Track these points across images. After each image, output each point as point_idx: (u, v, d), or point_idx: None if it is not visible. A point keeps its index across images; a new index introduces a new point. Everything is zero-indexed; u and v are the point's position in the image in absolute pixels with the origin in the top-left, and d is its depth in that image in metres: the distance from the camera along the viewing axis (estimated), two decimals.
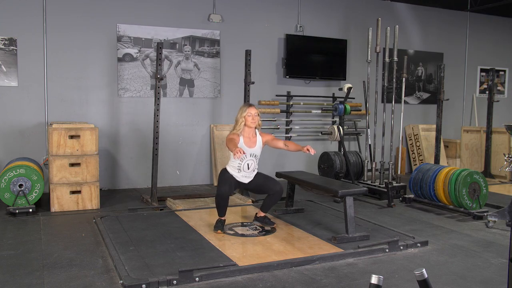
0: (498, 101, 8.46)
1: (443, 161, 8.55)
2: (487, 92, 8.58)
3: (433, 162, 7.14)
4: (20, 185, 5.28)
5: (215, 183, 7.16)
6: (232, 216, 5.12)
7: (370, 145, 7.11)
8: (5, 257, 3.83)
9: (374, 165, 6.78)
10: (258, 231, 4.61)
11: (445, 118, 8.21)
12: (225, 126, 7.35)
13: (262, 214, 4.78)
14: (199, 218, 5.11)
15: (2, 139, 6.30)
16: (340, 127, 6.74)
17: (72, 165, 5.53)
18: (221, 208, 4.54)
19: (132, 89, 6.91)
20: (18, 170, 5.28)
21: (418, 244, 4.21)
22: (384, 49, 6.68)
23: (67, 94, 6.55)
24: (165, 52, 6.98)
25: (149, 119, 6.74)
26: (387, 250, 4.04)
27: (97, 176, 5.66)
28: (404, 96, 6.83)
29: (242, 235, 4.48)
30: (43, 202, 5.68)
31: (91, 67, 6.67)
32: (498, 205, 5.65)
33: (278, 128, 7.73)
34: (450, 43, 9.47)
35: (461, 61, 9.68)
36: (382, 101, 6.77)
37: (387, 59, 6.63)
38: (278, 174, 5.39)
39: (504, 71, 10.19)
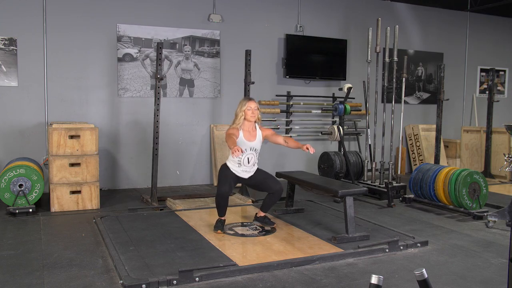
0: (498, 101, 8.46)
1: (443, 161, 8.55)
2: (487, 92, 8.58)
3: (433, 162, 7.14)
4: (20, 185, 5.28)
5: (215, 183, 7.17)
6: (232, 216, 5.12)
7: (370, 145, 7.11)
8: (5, 257, 3.83)
9: (374, 165, 6.78)
10: (258, 231, 4.61)
11: (445, 118, 8.21)
12: (225, 126, 7.35)
13: (262, 214, 4.78)
14: (199, 218, 5.11)
15: (2, 139, 6.30)
16: (340, 127, 6.74)
17: (72, 165, 5.53)
18: (221, 208, 4.54)
19: (132, 89, 6.91)
20: (18, 170, 5.28)
21: (418, 244, 4.21)
22: (384, 49, 6.68)
23: (67, 94, 6.55)
24: (165, 52, 6.98)
25: (149, 119, 6.74)
26: (387, 250, 4.04)
27: (97, 176, 5.66)
28: (404, 96, 6.83)
29: (242, 235, 4.48)
30: (43, 202, 5.68)
31: (91, 67, 6.67)
32: (498, 205, 5.65)
33: (278, 128, 7.73)
34: (450, 43, 9.47)
35: (461, 61, 9.68)
36: (382, 101, 6.77)
37: (387, 59, 6.63)
38: (278, 174, 5.39)
39: (504, 71, 10.19)
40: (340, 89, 7.20)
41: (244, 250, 4.06)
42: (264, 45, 7.69)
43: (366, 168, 6.91)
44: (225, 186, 4.47)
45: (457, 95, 9.56)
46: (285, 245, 4.18)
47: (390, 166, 6.56)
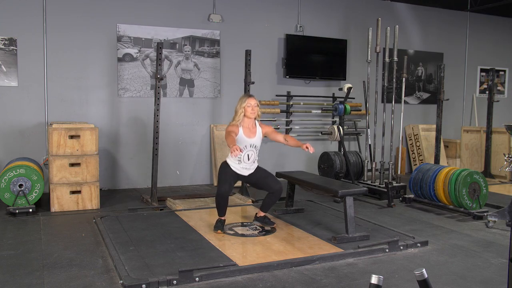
0: (498, 101, 8.46)
1: (443, 161, 8.55)
2: (487, 92, 8.58)
3: (433, 162, 7.14)
4: (20, 185, 5.28)
5: (215, 183, 7.17)
6: (232, 216, 5.12)
7: (370, 145, 7.11)
8: (5, 257, 3.83)
9: (374, 165, 6.78)
10: (258, 231, 4.61)
11: (445, 118, 8.21)
12: (225, 126, 7.35)
13: (262, 214, 4.77)
14: (199, 218, 5.11)
15: (2, 139, 6.30)
16: (340, 127, 6.74)
17: (72, 165, 5.53)
18: (221, 208, 4.53)
19: (132, 89, 6.91)
20: (18, 170, 5.28)
21: (418, 244, 4.21)
22: (384, 49, 6.68)
23: (67, 94, 6.55)
24: (165, 52, 6.98)
25: (149, 119, 6.75)
26: (387, 250, 4.04)
27: (97, 176, 5.66)
28: (404, 96, 6.83)
29: (242, 235, 4.48)
30: (43, 202, 5.68)
31: (91, 67, 6.67)
32: (498, 205, 5.65)
33: (278, 128, 7.72)
34: (450, 43, 9.47)
35: (461, 61, 9.68)
36: (382, 101, 6.77)
37: (387, 59, 6.63)
38: (278, 174, 5.39)
39: (504, 71, 10.19)
40: (340, 89, 7.20)
41: (244, 250, 4.06)
42: (264, 45, 7.69)
43: (366, 168, 6.91)
44: (224, 185, 4.47)
45: (457, 95, 9.56)
46: (285, 245, 4.18)
47: (390, 166, 6.56)
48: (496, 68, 8.87)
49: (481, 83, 9.92)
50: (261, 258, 3.81)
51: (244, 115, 4.53)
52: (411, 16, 8.92)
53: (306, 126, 8.13)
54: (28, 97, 6.38)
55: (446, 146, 9.08)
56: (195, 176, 7.40)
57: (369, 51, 6.73)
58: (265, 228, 4.69)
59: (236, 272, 3.48)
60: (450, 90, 8.86)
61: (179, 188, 7.06)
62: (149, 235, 4.41)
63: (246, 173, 4.61)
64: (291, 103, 7.90)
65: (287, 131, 7.90)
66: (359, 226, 4.61)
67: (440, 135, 6.88)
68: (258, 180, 4.66)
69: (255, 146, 4.59)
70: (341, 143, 6.91)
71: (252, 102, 4.52)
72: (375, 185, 6.50)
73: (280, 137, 4.71)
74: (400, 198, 6.26)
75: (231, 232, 4.57)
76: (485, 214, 5.19)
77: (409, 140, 9.00)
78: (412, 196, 6.14)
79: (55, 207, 5.47)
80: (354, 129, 8.35)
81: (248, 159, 4.56)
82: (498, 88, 10.02)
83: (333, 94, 8.21)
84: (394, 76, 6.75)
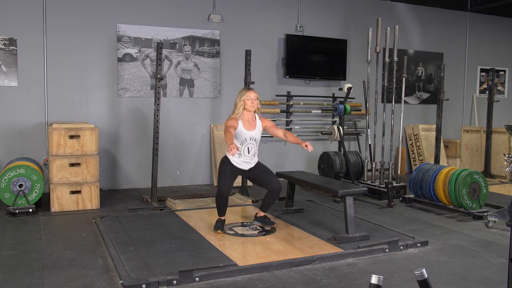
0: (498, 101, 8.46)
1: (443, 161, 8.55)
2: (487, 92, 8.58)
3: (433, 162, 7.14)
4: (20, 185, 5.28)
5: (215, 183, 7.17)
6: (232, 216, 5.12)
7: (370, 145, 7.11)
8: (5, 257, 3.83)
9: (374, 165, 6.78)
10: (258, 231, 4.61)
11: (445, 118, 8.22)
12: None
13: (262, 214, 4.77)
14: (199, 218, 5.11)
15: (2, 139, 6.30)
16: (340, 127, 6.74)
17: (72, 165, 5.53)
18: (221, 207, 4.53)
19: (132, 89, 6.91)
20: (18, 170, 5.28)
21: (418, 244, 4.21)
22: (384, 49, 6.68)
23: (67, 94, 6.55)
24: (165, 52, 6.98)
25: (149, 119, 6.75)
26: (387, 250, 4.04)
27: (97, 176, 5.66)
28: (404, 96, 6.83)
29: (242, 235, 4.48)
30: (43, 202, 5.68)
31: (91, 67, 6.67)
32: (498, 205, 5.65)
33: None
34: (450, 43, 9.47)
35: (461, 61, 9.68)
36: (382, 101, 6.77)
37: (387, 59, 6.63)
38: (278, 174, 5.39)
39: (504, 71, 10.19)
40: (340, 89, 7.20)
41: (244, 250, 4.06)
42: (264, 45, 7.69)
43: (366, 168, 6.91)
44: (225, 185, 4.46)
45: (457, 95, 9.56)
46: (285, 245, 4.18)
47: (390, 166, 6.56)
48: (496, 68, 8.87)
49: (481, 83, 9.92)
50: (261, 258, 3.81)
51: (244, 108, 4.50)
52: (411, 16, 8.92)
53: (306, 126, 8.13)
54: (28, 97, 6.38)
55: (446, 146, 9.08)
56: (195, 176, 7.40)
57: (369, 51, 6.73)
58: (265, 228, 4.69)
59: (236, 272, 3.48)
60: (450, 90, 8.87)
61: (179, 188, 7.06)
62: (149, 235, 4.41)
63: (246, 167, 4.58)
64: (291, 103, 7.90)
65: None
66: (359, 226, 4.61)
67: (440, 135, 6.88)
68: (258, 175, 4.63)
69: (255, 139, 4.56)
70: (341, 143, 6.92)
71: (251, 95, 4.49)
72: (375, 185, 6.50)
73: (279, 132, 4.69)
74: (400, 198, 6.26)
75: (231, 232, 4.57)
76: (485, 214, 5.19)
77: (409, 140, 9.00)
78: (412, 196, 6.14)
79: (55, 207, 5.47)
80: (354, 129, 8.35)
81: (248, 152, 4.53)
82: (498, 88, 10.02)
83: (333, 94, 8.21)
84: (394, 76, 6.75)
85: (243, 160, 4.54)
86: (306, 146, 4.47)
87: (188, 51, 7.22)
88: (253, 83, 6.23)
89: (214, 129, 7.36)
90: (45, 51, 6.41)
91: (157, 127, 5.80)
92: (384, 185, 6.25)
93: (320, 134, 8.05)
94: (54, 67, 6.46)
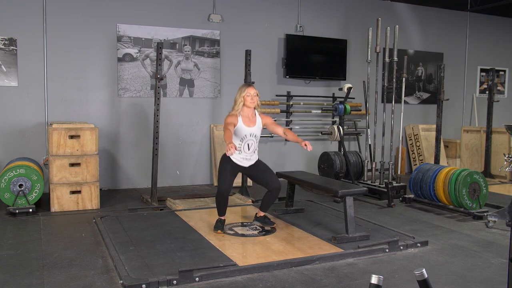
0: (498, 101, 8.46)
1: (443, 161, 8.55)
2: (487, 92, 8.59)
3: (433, 162, 7.14)
4: (20, 185, 5.28)
5: (215, 183, 7.17)
6: (232, 216, 5.12)
7: (370, 145, 7.11)
8: (5, 257, 3.83)
9: (374, 165, 6.78)
10: (258, 231, 4.61)
11: (445, 118, 8.22)
12: None
13: (262, 213, 4.77)
14: (199, 218, 5.11)
15: (2, 139, 6.30)
16: (340, 127, 6.74)
17: (72, 165, 5.53)
18: (221, 207, 4.53)
19: (132, 89, 6.91)
20: (18, 170, 5.28)
21: (418, 244, 4.21)
22: (384, 49, 6.68)
23: (67, 94, 6.55)
24: (165, 52, 6.98)
25: (149, 119, 6.75)
26: (387, 250, 4.04)
27: (97, 176, 5.66)
28: (404, 96, 6.83)
29: (242, 235, 4.48)
30: (43, 202, 5.68)
31: (91, 67, 6.67)
32: (498, 205, 5.65)
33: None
34: (450, 43, 9.47)
35: (461, 61, 9.68)
36: (382, 101, 6.77)
37: (387, 59, 6.63)
38: (278, 174, 5.38)
39: (504, 71, 10.19)
40: (340, 89, 7.20)
41: (244, 250, 4.06)
42: (264, 45, 7.69)
43: (366, 168, 6.91)
44: (225, 184, 4.44)
45: (457, 95, 9.56)
46: (285, 245, 4.18)
47: (390, 166, 6.56)
48: (496, 68, 8.87)
49: (481, 83, 9.92)
50: (261, 258, 3.81)
51: (244, 105, 4.48)
52: (411, 16, 8.92)
53: (306, 126, 8.13)
54: (28, 97, 6.38)
55: (446, 146, 9.08)
56: (195, 176, 7.40)
57: (369, 51, 6.73)
58: (265, 228, 4.69)
59: (236, 272, 3.48)
60: (450, 90, 8.87)
61: (179, 188, 7.06)
62: (149, 235, 4.41)
63: (246, 164, 4.55)
64: (291, 103, 7.90)
65: None
66: (359, 226, 4.61)
67: (440, 135, 6.87)
68: (258, 173, 4.61)
69: (255, 136, 4.54)
70: (341, 143, 6.92)
71: (251, 91, 4.47)
72: (375, 185, 6.50)
73: (279, 129, 4.67)
74: (400, 198, 6.26)
75: (231, 232, 4.57)
76: (485, 214, 5.19)
77: (409, 140, 9.00)
78: (412, 196, 6.14)
79: (55, 207, 5.47)
80: (354, 129, 8.35)
81: (249, 149, 4.50)
82: (498, 88, 10.02)
83: (333, 94, 8.21)
84: (394, 76, 6.75)
85: (243, 157, 4.52)
86: (305, 145, 4.46)
87: (188, 51, 7.22)
88: (253, 83, 6.21)
89: (214, 129, 7.36)
90: (45, 51, 6.41)
91: (157, 127, 5.80)
92: (384, 185, 6.25)
93: (320, 134, 8.05)
94: (54, 67, 6.46)
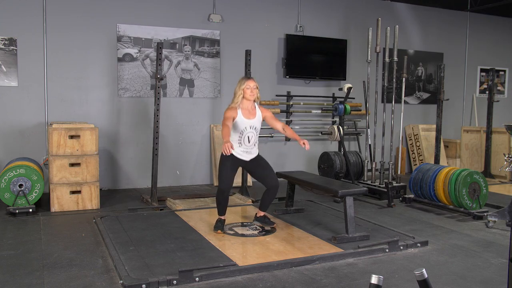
0: (498, 101, 8.46)
1: (443, 161, 8.55)
2: (487, 92, 8.59)
3: (433, 162, 7.14)
4: (20, 185, 5.28)
5: (215, 183, 7.17)
6: (232, 216, 5.12)
7: (370, 145, 7.11)
8: (5, 257, 3.83)
9: (374, 165, 6.78)
10: (258, 231, 4.61)
11: (445, 118, 8.22)
12: None
13: (261, 213, 4.76)
14: (199, 218, 5.11)
15: (2, 139, 6.30)
16: (340, 127, 6.74)
17: (72, 165, 5.53)
18: (221, 206, 4.52)
19: (132, 89, 6.91)
20: (18, 170, 5.28)
21: (418, 244, 4.21)
22: (384, 49, 6.68)
23: (67, 94, 6.55)
24: (165, 52, 6.98)
25: (149, 119, 6.75)
26: (387, 250, 4.04)
27: (97, 176, 5.66)
28: (404, 96, 6.83)
29: (242, 235, 4.48)
30: (43, 202, 5.68)
31: (91, 67, 6.67)
32: (498, 205, 5.65)
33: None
34: (450, 43, 9.47)
35: (461, 61, 9.68)
36: (382, 101, 6.77)
37: (387, 59, 6.63)
38: (278, 174, 5.37)
39: (504, 71, 10.19)
40: (340, 89, 7.20)
41: (244, 250, 4.06)
42: (264, 45, 7.69)
43: (366, 168, 6.91)
44: (225, 181, 4.42)
45: (457, 95, 9.56)
46: (285, 245, 4.18)
47: (390, 166, 6.56)
48: (496, 68, 8.87)
49: (481, 83, 9.93)
50: (261, 258, 3.81)
51: (243, 97, 4.46)
52: (411, 16, 8.92)
53: (306, 126, 8.13)
54: (28, 97, 6.38)
55: (446, 146, 9.08)
56: (195, 176, 7.40)
57: (369, 51, 6.73)
58: (265, 228, 4.69)
59: (236, 272, 3.48)
60: (450, 90, 8.87)
61: (179, 188, 7.06)
62: (149, 235, 4.41)
63: (247, 157, 4.52)
64: (291, 103, 7.90)
65: None
66: (359, 226, 4.61)
67: (440, 135, 6.88)
68: (258, 169, 4.58)
69: (255, 128, 4.51)
70: (341, 143, 6.92)
71: (251, 84, 4.45)
72: (375, 185, 6.50)
73: (278, 124, 4.64)
74: (400, 198, 6.26)
75: (231, 232, 4.57)
76: (485, 214, 5.19)
77: (409, 140, 9.00)
78: (412, 196, 6.14)
79: (55, 207, 5.47)
80: (354, 129, 8.35)
81: (249, 142, 4.48)
82: (498, 88, 10.02)
83: (333, 94, 8.21)
84: (394, 76, 6.75)
85: (243, 150, 4.49)
86: (304, 144, 4.46)
87: (188, 51, 7.22)
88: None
89: (214, 129, 7.36)
90: (45, 51, 6.41)
91: (157, 127, 5.81)
92: (384, 185, 6.25)
93: (320, 134, 8.05)
94: (54, 67, 6.46)
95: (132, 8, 6.86)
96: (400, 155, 7.81)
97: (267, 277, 3.46)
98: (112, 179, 6.89)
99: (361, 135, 8.37)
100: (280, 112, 7.79)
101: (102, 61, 6.72)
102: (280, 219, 5.07)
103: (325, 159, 7.04)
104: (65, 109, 6.54)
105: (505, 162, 5.02)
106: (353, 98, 8.13)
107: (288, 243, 4.23)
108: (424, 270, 2.13)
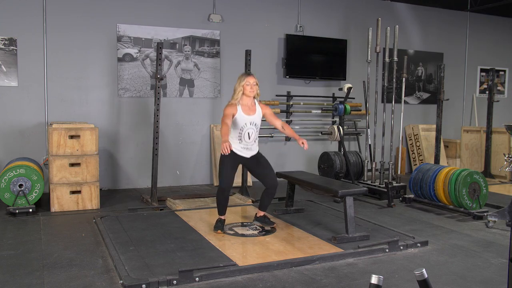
0: (498, 101, 8.46)
1: (443, 161, 8.55)
2: (487, 92, 8.59)
3: (433, 162, 7.14)
4: (20, 185, 5.28)
5: (215, 183, 7.17)
6: (232, 216, 5.12)
7: (370, 145, 7.11)
8: (5, 257, 3.83)
9: (374, 165, 6.78)
10: (258, 231, 4.61)
11: (445, 118, 8.22)
12: None
13: (261, 213, 4.76)
14: (199, 218, 5.11)
15: (2, 139, 6.30)
16: (340, 127, 6.74)
17: (72, 165, 5.53)
18: (222, 205, 4.52)
19: (132, 89, 6.91)
20: (18, 170, 5.28)
21: (418, 244, 4.21)
22: (384, 49, 6.68)
23: (67, 94, 6.55)
24: (165, 52, 6.98)
25: (149, 119, 6.75)
26: (387, 250, 4.04)
27: (97, 176, 5.66)
28: (404, 96, 6.83)
29: (242, 235, 4.48)
30: (43, 202, 5.68)
31: (91, 67, 6.67)
32: (498, 205, 5.65)
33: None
34: (450, 43, 9.47)
35: (461, 61, 9.68)
36: (382, 101, 6.77)
37: (387, 59, 6.63)
38: (278, 174, 5.37)
39: (504, 71, 10.19)
40: (340, 89, 7.20)
41: (244, 250, 4.06)
42: (264, 45, 7.69)
43: (366, 168, 6.91)
44: (226, 179, 4.42)
45: (457, 95, 9.56)
46: (285, 245, 4.18)
47: (390, 166, 6.56)
48: (496, 68, 8.87)
49: (481, 83, 9.93)
50: (261, 258, 3.81)
51: (243, 94, 4.47)
52: (411, 16, 8.92)
53: (306, 126, 8.13)
54: (28, 97, 6.38)
55: (446, 146, 9.08)
56: (195, 176, 7.40)
57: (369, 51, 6.73)
58: (265, 228, 4.69)
59: (236, 272, 3.48)
60: (450, 90, 8.87)
61: (179, 188, 7.06)
62: (149, 235, 4.41)
63: (247, 154, 4.51)
64: (291, 103, 7.90)
65: None
66: (359, 226, 4.61)
67: (440, 135, 6.88)
68: (258, 167, 4.57)
69: (255, 124, 4.50)
70: (341, 143, 6.92)
71: (251, 80, 4.46)
72: (375, 185, 6.50)
73: (278, 122, 4.64)
74: (400, 198, 6.26)
75: (231, 232, 4.57)
76: (485, 214, 5.19)
77: (409, 140, 9.00)
78: (412, 196, 6.14)
79: (55, 207, 5.47)
80: (354, 129, 8.35)
81: (249, 138, 4.46)
82: (498, 88, 10.02)
83: (333, 94, 8.21)
84: (394, 76, 6.75)
85: (244, 146, 4.48)
86: (302, 143, 4.46)
87: (188, 51, 7.22)
88: None
89: (214, 129, 7.36)
90: (45, 51, 6.41)
91: (157, 127, 5.81)
92: (384, 185, 6.25)
93: (320, 134, 8.05)
94: (54, 67, 6.46)
95: (132, 8, 6.86)
96: (400, 155, 7.81)
97: (267, 277, 3.46)
98: (112, 179, 6.89)
99: (361, 135, 8.37)
100: (280, 112, 7.79)
101: (102, 61, 6.72)
102: (280, 219, 5.07)
103: (325, 159, 7.04)
104: (65, 109, 6.54)
105: (505, 162, 5.02)
106: (353, 98, 8.13)
107: (288, 243, 4.23)
108: (424, 270, 2.13)
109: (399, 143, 7.73)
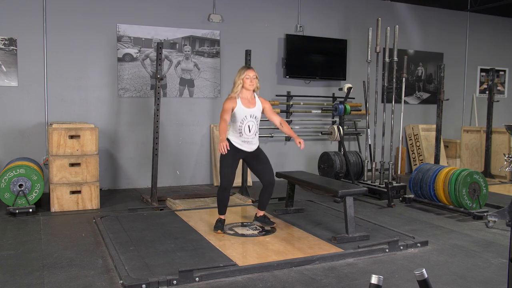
0: (498, 101, 8.46)
1: (443, 161, 8.55)
2: (487, 92, 8.59)
3: (433, 162, 7.14)
4: (20, 185, 5.28)
5: (215, 183, 7.17)
6: (232, 216, 5.12)
7: (370, 145, 7.11)
8: (5, 257, 3.83)
9: (374, 165, 6.78)
10: (258, 231, 4.61)
11: (445, 118, 8.22)
12: None
13: (261, 213, 4.76)
14: (199, 218, 5.11)
15: (2, 139, 6.30)
16: (340, 127, 6.74)
17: (72, 165, 5.53)
18: (222, 205, 4.52)
19: (132, 89, 6.91)
20: (18, 170, 5.28)
21: (418, 244, 4.21)
22: (384, 49, 6.68)
23: (67, 94, 6.55)
24: (165, 52, 6.98)
25: (149, 119, 6.75)
26: (387, 250, 4.04)
27: (97, 176, 5.66)
28: (404, 96, 6.83)
29: (242, 235, 4.48)
30: (43, 202, 5.68)
31: (91, 67, 6.67)
32: (498, 205, 5.65)
33: (278, 128, 7.71)
34: (450, 43, 9.47)
35: (461, 61, 9.68)
36: (382, 101, 6.77)
37: (387, 59, 6.63)
38: (278, 174, 5.38)
39: (504, 71, 10.19)
40: (340, 89, 7.20)
41: (244, 250, 4.06)
42: (264, 45, 7.69)
43: (366, 168, 6.91)
44: (226, 178, 4.41)
45: (457, 95, 9.56)
46: (285, 245, 4.18)
47: (390, 166, 6.56)
48: (496, 68, 8.87)
49: (481, 83, 9.93)
50: (261, 258, 3.81)
51: (243, 87, 4.47)
52: (411, 16, 8.92)
53: (306, 126, 8.13)
54: (28, 97, 6.38)
55: (446, 146, 9.08)
56: (195, 176, 7.40)
57: (369, 51, 6.73)
58: (265, 228, 4.69)
59: (236, 272, 3.48)
60: (450, 90, 8.87)
61: (179, 188, 7.06)
62: (149, 235, 4.41)
63: (248, 148, 4.49)
64: (291, 103, 7.90)
65: None
66: (359, 226, 4.61)
67: (440, 135, 6.88)
68: (258, 163, 4.57)
69: (255, 117, 4.49)
70: (341, 143, 6.92)
71: (250, 74, 4.46)
72: (375, 185, 6.50)
73: (276, 118, 4.65)
74: (400, 198, 6.26)
75: (231, 232, 4.57)
76: (485, 214, 5.19)
77: (409, 140, 9.00)
78: (412, 196, 6.14)
79: (55, 207, 5.47)
80: (354, 129, 8.35)
81: (249, 131, 4.45)
82: (498, 88, 10.02)
83: (333, 94, 8.21)
84: (394, 76, 6.75)
85: (244, 140, 4.46)
86: (299, 143, 4.47)
87: (188, 51, 7.22)
88: None
89: (214, 129, 7.36)
90: (45, 51, 6.41)
91: (157, 127, 5.81)
92: (384, 185, 6.25)
93: (320, 134, 8.05)
94: (54, 67, 6.46)
95: (132, 8, 6.86)
96: (400, 155, 7.81)
97: (267, 277, 3.46)
98: (112, 179, 6.89)
99: (361, 135, 8.37)
100: (280, 112, 7.79)
101: (102, 61, 6.72)
102: (280, 219, 5.07)
103: (325, 159, 7.04)
104: (65, 109, 6.54)
105: (505, 162, 5.02)
106: (353, 98, 8.13)
107: (288, 243, 4.23)
108: (424, 270, 2.13)
109: (399, 143, 7.73)
